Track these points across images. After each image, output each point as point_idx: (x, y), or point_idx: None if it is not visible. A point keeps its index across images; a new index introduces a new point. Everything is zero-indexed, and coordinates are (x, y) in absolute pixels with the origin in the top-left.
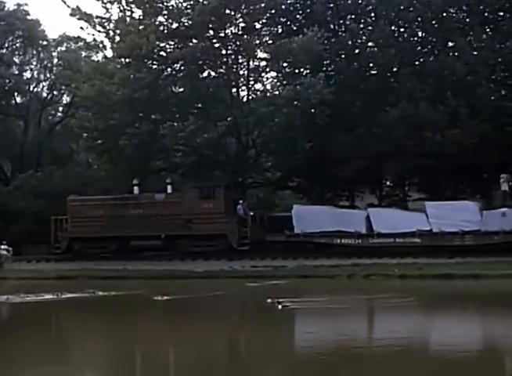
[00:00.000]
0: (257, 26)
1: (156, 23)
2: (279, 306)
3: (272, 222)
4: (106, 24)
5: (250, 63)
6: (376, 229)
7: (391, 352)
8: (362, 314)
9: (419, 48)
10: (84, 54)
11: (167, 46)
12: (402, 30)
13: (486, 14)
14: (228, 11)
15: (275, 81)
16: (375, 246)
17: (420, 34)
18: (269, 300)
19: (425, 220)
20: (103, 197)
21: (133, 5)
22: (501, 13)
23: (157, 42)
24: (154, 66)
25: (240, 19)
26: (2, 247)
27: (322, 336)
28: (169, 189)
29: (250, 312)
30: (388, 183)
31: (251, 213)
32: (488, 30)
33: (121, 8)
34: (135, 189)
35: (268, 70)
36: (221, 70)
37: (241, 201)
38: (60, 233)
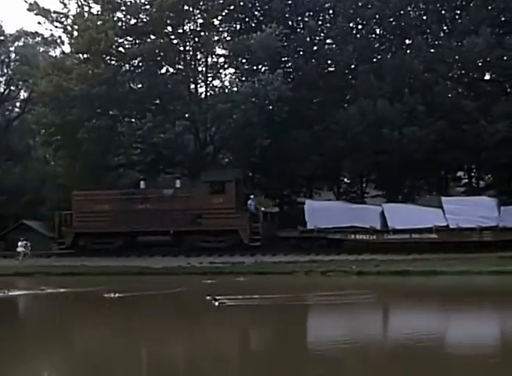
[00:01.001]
0: (216, 22)
1: (115, 18)
2: (216, 303)
3: None
4: (63, 19)
5: (209, 59)
6: (391, 225)
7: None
8: (297, 311)
9: (377, 45)
10: (41, 49)
11: (126, 42)
12: (360, 27)
13: (443, 12)
14: (186, 7)
15: (234, 77)
16: (390, 242)
17: (377, 31)
18: (208, 297)
19: (441, 216)
20: (109, 192)
21: (91, 1)
22: (458, 11)
23: (116, 38)
24: (112, 62)
25: (199, 16)
26: (20, 244)
27: (241, 332)
28: (178, 183)
29: (186, 309)
30: (346, 180)
31: (262, 209)
32: (445, 28)
33: (79, 3)
34: (142, 184)
35: (226, 66)
36: (180, 67)
37: (252, 196)
38: (65, 228)
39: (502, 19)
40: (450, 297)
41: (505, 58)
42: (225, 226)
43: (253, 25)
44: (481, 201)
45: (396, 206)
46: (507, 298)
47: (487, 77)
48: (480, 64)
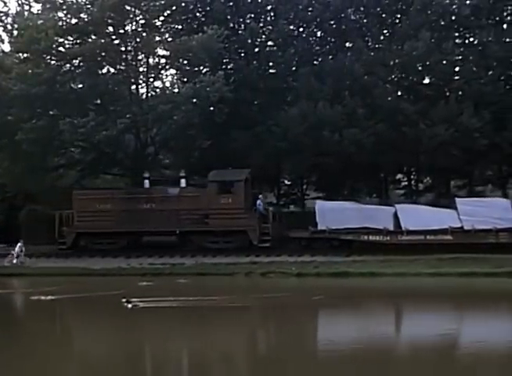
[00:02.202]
0: (157, 23)
1: (55, 18)
2: (129, 305)
3: None
4: (3, 18)
5: (150, 60)
6: (405, 226)
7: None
8: (205, 314)
9: (317, 48)
10: None
11: (66, 42)
12: (301, 29)
13: (383, 16)
14: (127, 7)
15: (175, 78)
16: (404, 243)
17: (318, 34)
18: (123, 300)
19: (456, 217)
20: (112, 191)
21: (32, 0)
22: (398, 15)
23: (56, 38)
24: (53, 62)
25: (140, 16)
26: (19, 244)
27: (124, 334)
28: (183, 182)
29: (98, 311)
30: (286, 182)
31: (270, 209)
32: (385, 31)
33: (20, 2)
34: (146, 183)
35: (167, 67)
36: (121, 67)
37: (261, 196)
38: (66, 228)
39: (442, 23)
40: (388, 298)
41: (444, 62)
42: (233, 227)
43: (194, 26)
44: (496, 202)
45: (410, 207)
46: (434, 299)
47: (426, 80)
48: (419, 68)
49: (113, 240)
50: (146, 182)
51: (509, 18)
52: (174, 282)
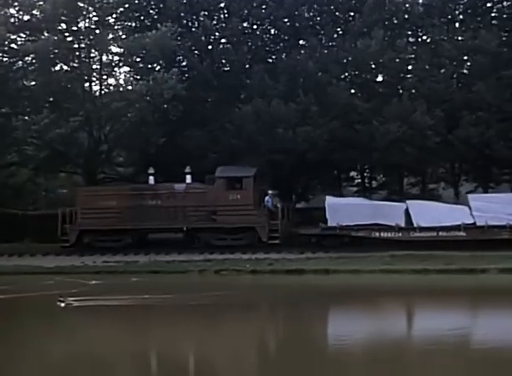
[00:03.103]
0: (111, 20)
1: (7, 14)
2: (62, 304)
3: None
4: None
5: (103, 57)
6: (416, 223)
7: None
8: (140, 312)
9: (271, 45)
10: None
11: (19, 39)
12: (254, 27)
13: (337, 13)
14: (80, 4)
15: (128, 76)
16: (416, 240)
17: (272, 31)
18: (60, 298)
19: (468, 213)
20: (117, 187)
21: None
22: (351, 13)
23: (8, 34)
24: (5, 59)
25: (93, 13)
26: None
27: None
28: (188, 179)
29: (29, 310)
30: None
31: (278, 205)
32: (338, 29)
33: None
34: (150, 179)
35: (121, 64)
36: (74, 64)
37: (270, 193)
38: (69, 226)
39: (395, 21)
40: (340, 294)
41: (397, 60)
42: (242, 223)
43: (148, 23)
44: (509, 198)
45: (421, 203)
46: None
47: (379, 78)
48: (373, 66)
49: (117, 238)
50: (151, 178)
51: (461, 17)
52: (126, 280)
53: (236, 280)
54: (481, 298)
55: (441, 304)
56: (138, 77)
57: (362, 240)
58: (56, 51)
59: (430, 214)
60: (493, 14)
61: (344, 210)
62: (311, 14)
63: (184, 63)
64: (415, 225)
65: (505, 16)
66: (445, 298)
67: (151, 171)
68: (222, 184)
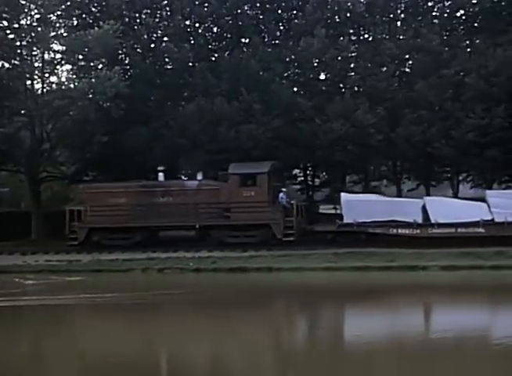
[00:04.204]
0: (53, 18)
1: None
2: None
3: None
4: None
5: (45, 55)
6: (434, 219)
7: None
8: (51, 312)
9: (214, 43)
10: None
11: None
12: (197, 25)
13: (280, 12)
14: (22, 1)
15: (71, 73)
16: (435, 236)
17: (215, 29)
18: None
19: (486, 209)
20: (126, 184)
21: None
22: (294, 12)
23: None
24: None
25: (35, 11)
26: None
27: None
28: (199, 175)
29: None
30: (183, 178)
31: (292, 202)
32: (281, 28)
33: None
34: (160, 176)
35: (63, 62)
36: (15, 62)
37: (284, 189)
38: (77, 223)
39: (337, 20)
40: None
41: (339, 58)
42: (256, 220)
43: (90, 21)
44: None
45: (439, 199)
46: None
47: (322, 76)
48: (315, 64)
49: (127, 236)
50: (161, 175)
51: (402, 16)
52: (64, 280)
53: (179, 279)
54: (416, 295)
55: (371, 301)
56: (81, 75)
57: (379, 237)
58: None
59: (447, 210)
60: (434, 13)
61: (360, 206)
62: (253, 12)
63: (126, 61)
64: (432, 221)
65: (446, 15)
66: (383, 294)
67: (161, 168)
68: (236, 181)
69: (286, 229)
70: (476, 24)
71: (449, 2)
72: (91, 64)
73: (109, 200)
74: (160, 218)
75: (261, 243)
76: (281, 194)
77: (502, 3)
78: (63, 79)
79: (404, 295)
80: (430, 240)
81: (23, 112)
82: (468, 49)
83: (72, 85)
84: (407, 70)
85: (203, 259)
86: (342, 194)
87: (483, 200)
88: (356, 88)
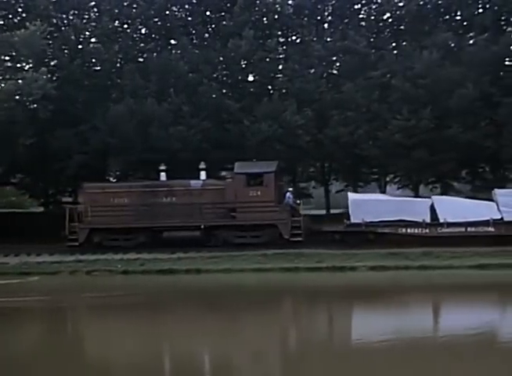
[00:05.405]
0: None
1: None
2: None
3: None
4: None
5: None
6: (443, 218)
7: None
8: None
9: (142, 45)
10: None
11: None
12: (125, 26)
13: (208, 13)
14: None
15: None
16: (445, 236)
17: (143, 31)
18: None
19: (495, 209)
20: (129, 184)
21: None
22: (222, 13)
23: None
24: None
25: None
26: None
27: None
28: (202, 175)
29: None
30: (112, 179)
31: (297, 202)
32: (210, 29)
33: None
34: (162, 176)
35: None
36: None
37: (290, 189)
38: (78, 224)
39: (265, 22)
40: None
41: (267, 60)
42: (263, 220)
43: (16, 22)
44: None
45: (447, 199)
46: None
47: (250, 78)
48: (243, 66)
49: (130, 236)
50: (163, 174)
51: (330, 18)
52: None
53: (107, 281)
54: (343, 296)
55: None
56: (7, 76)
57: (387, 237)
58: None
59: (456, 209)
60: (361, 16)
61: (367, 206)
62: (182, 14)
63: (54, 63)
64: (441, 220)
65: (373, 18)
66: (312, 295)
67: (162, 167)
68: (242, 180)
69: (294, 229)
70: (402, 27)
71: (376, 5)
72: (18, 65)
73: (111, 200)
74: (163, 218)
75: (267, 243)
76: (288, 194)
77: (428, 6)
78: None
79: (331, 296)
80: (439, 240)
81: None
82: (395, 52)
83: None
84: (335, 71)
85: (132, 261)
86: (349, 194)
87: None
88: (284, 90)
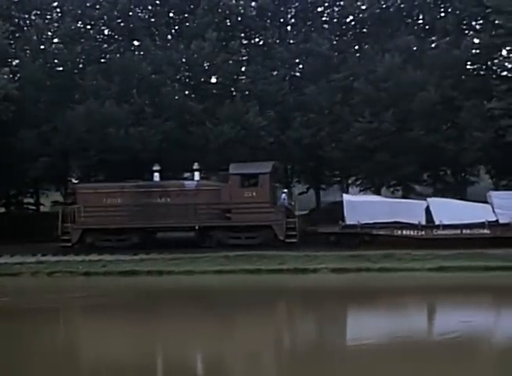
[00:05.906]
0: None
1: None
2: None
3: None
4: None
5: None
6: (438, 220)
7: None
8: None
9: (105, 46)
10: None
11: None
12: (88, 27)
13: (171, 15)
14: None
15: None
16: (440, 238)
17: (106, 32)
18: None
19: (490, 211)
20: (122, 184)
21: None
22: (186, 15)
23: None
24: None
25: None
26: None
27: None
28: (196, 176)
29: None
30: (73, 180)
31: (292, 203)
32: (173, 31)
33: None
34: (155, 176)
35: None
36: None
37: (285, 190)
38: (71, 225)
39: (228, 23)
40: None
41: (230, 62)
42: (258, 221)
43: None
44: None
45: (443, 201)
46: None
47: (213, 80)
48: (206, 67)
49: (123, 237)
50: (156, 175)
51: (293, 20)
52: None
53: (69, 282)
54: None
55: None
56: None
57: (383, 239)
58: None
59: (451, 211)
60: (324, 18)
61: (363, 208)
62: (145, 15)
63: (16, 63)
64: (437, 223)
65: (335, 20)
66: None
67: (156, 167)
68: (237, 181)
69: (288, 231)
70: (365, 30)
71: (339, 8)
72: None
73: (104, 200)
74: (157, 219)
75: (262, 244)
76: (283, 195)
77: (391, 9)
78: None
79: (291, 297)
80: (435, 242)
81: None
82: (357, 54)
83: None
84: (297, 74)
85: (94, 263)
86: (344, 195)
87: None
88: (247, 92)
